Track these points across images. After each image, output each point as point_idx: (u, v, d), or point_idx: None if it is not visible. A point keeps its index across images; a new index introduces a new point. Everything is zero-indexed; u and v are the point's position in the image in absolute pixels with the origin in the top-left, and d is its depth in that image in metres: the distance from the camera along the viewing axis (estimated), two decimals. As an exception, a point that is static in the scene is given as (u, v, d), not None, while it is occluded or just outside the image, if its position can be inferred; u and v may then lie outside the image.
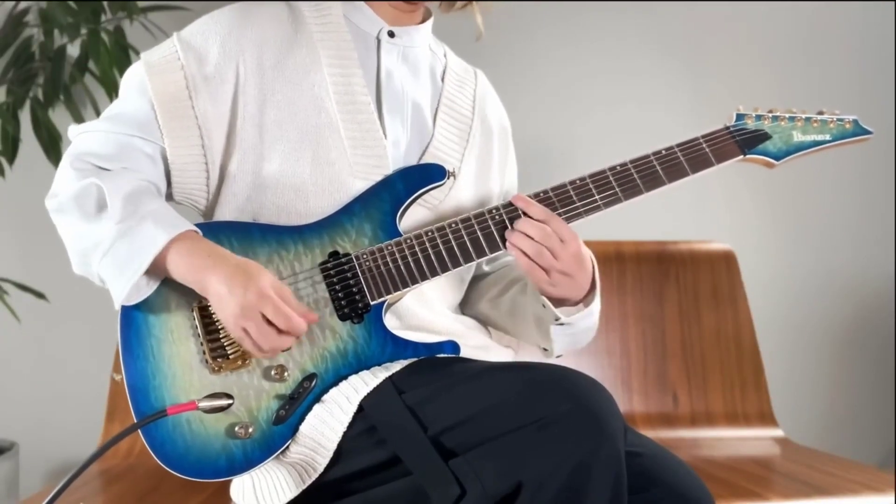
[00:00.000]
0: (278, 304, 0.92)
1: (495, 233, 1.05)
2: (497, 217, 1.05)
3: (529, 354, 1.19)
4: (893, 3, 2.28)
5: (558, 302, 1.06)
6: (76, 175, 1.00)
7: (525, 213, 1.04)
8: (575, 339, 1.11)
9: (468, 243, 1.04)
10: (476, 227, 1.05)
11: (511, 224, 1.04)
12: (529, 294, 1.10)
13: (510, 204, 1.06)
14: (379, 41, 1.13)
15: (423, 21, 1.16)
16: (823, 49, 2.29)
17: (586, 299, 1.08)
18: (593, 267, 1.08)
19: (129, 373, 0.98)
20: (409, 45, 1.14)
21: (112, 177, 0.98)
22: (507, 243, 1.03)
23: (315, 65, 1.07)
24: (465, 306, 1.22)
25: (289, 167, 1.04)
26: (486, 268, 1.24)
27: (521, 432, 0.82)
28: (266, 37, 1.07)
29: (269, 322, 0.93)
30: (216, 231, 1.02)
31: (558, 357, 1.15)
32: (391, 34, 1.13)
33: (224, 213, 1.07)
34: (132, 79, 1.06)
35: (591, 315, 1.09)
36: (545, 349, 1.13)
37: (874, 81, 2.29)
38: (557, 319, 1.06)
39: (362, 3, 1.13)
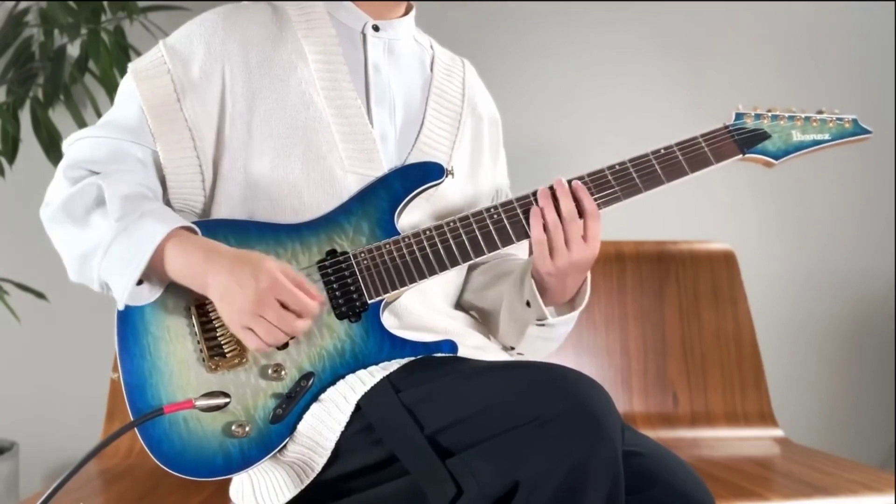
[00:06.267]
0: (292, 288, 0.92)
1: (493, 232, 1.05)
2: (495, 216, 1.05)
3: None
4: (893, 3, 2.27)
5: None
6: (69, 183, 1.01)
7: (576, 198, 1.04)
8: (546, 344, 1.12)
9: (466, 242, 1.04)
10: (474, 225, 1.05)
11: (508, 222, 1.04)
12: (513, 289, 1.10)
13: (509, 202, 1.06)
14: (364, 36, 1.13)
15: (406, 14, 1.17)
16: (823, 49, 2.29)
17: (572, 303, 1.10)
18: (585, 280, 1.09)
19: (126, 371, 0.98)
20: (395, 38, 1.15)
21: (110, 177, 0.99)
22: (532, 209, 1.03)
23: (301, 61, 1.08)
24: None
25: (280, 163, 1.04)
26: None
27: (518, 431, 0.81)
28: (250, 36, 1.07)
29: (284, 307, 0.92)
30: (213, 229, 1.02)
31: (520, 355, 1.15)
32: (375, 28, 1.13)
33: (220, 214, 1.07)
34: (123, 87, 1.08)
35: (569, 322, 1.10)
36: (511, 347, 1.14)
37: (874, 81, 2.29)
38: (540, 320, 1.07)
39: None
